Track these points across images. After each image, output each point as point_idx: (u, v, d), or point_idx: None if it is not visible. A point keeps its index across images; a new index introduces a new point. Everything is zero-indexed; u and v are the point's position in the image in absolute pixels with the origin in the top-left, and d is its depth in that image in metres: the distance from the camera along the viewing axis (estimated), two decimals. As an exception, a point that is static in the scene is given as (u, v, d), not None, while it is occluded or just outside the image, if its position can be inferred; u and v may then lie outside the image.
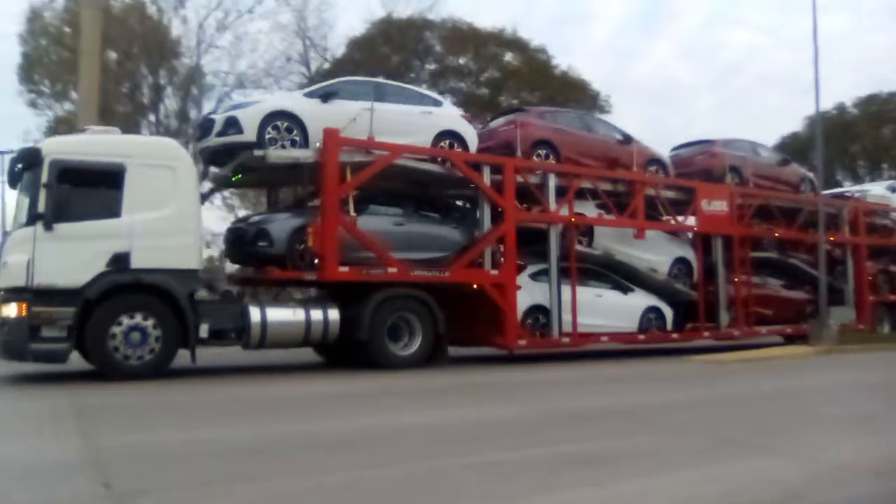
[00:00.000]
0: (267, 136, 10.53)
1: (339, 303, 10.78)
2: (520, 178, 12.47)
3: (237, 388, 9.19)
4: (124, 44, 24.38)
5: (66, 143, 9.26)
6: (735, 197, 15.55)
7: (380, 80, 12.38)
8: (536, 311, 12.86)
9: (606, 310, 13.63)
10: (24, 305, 8.61)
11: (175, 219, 9.47)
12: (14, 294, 8.73)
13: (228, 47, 26.03)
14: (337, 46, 29.33)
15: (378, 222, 11.52)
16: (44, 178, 8.78)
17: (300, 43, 27.92)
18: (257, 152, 10.33)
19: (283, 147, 10.62)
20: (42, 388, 8.89)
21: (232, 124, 10.50)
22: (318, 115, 10.83)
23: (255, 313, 9.97)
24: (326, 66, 27.97)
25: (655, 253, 14.82)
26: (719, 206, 15.21)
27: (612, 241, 14.14)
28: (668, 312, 14.51)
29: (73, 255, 8.83)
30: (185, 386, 9.08)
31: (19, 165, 9.10)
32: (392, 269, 10.97)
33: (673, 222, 14.85)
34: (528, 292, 12.78)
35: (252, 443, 5.41)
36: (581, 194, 13.65)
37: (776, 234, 16.71)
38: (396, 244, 11.40)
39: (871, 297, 17.91)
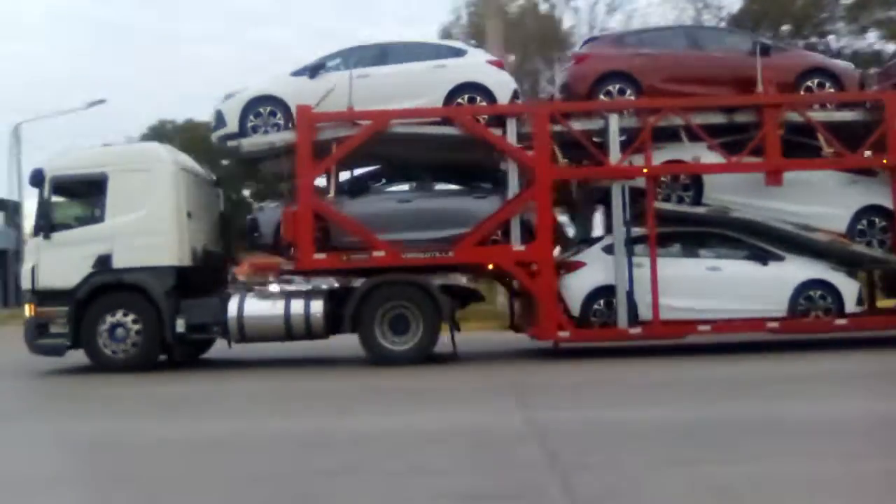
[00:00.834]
0: (249, 125, 10.21)
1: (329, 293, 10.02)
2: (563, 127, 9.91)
3: (668, 367, 9.19)
4: (522, 44, 25.67)
5: (61, 160, 10.31)
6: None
7: (379, 42, 10.91)
8: (608, 292, 10.06)
9: (727, 288, 9.98)
10: (31, 306, 9.86)
11: (150, 219, 9.81)
12: (27, 296, 10.04)
13: (620, 27, 25.14)
14: (732, 2, 26.70)
15: (380, 201, 10.33)
16: (44, 193, 9.94)
17: (691, 7, 26.47)
18: (231, 143, 10.12)
19: (267, 133, 10.18)
20: (488, 364, 10.23)
21: (219, 118, 10.44)
22: (304, 94, 10.05)
23: (232, 307, 9.79)
24: (722, 24, 25.61)
25: (823, 204, 10.33)
26: None
27: (739, 194, 10.25)
28: (848, 288, 10.04)
29: (67, 260, 9.76)
30: (617, 365, 9.52)
31: (31, 185, 10.40)
32: (379, 253, 9.70)
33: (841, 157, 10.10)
34: (597, 269, 10.07)
35: (684, 425, 5.36)
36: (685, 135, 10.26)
37: None
38: (404, 224, 10.05)
39: None
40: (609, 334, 9.92)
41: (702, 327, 9.81)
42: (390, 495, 3.86)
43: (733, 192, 10.27)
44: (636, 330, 9.69)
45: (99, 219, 9.94)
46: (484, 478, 4.16)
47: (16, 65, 75.44)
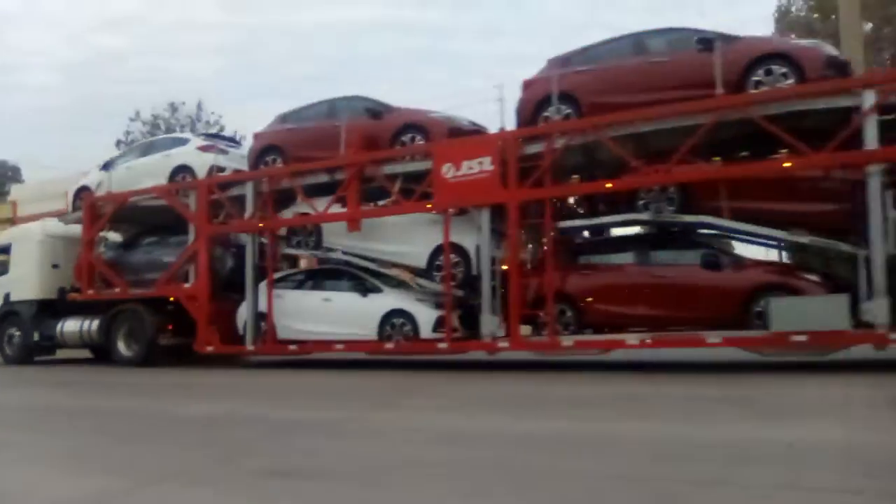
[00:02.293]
0: (78, 204, 15.58)
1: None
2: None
3: None
4: (882, 8, 23.77)
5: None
6: (513, 145, 10.74)
7: (147, 139, 14.92)
8: (261, 318, 13.13)
9: (334, 315, 12.40)
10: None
11: (24, 271, 15.80)
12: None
13: None
14: None
15: (138, 253, 14.85)
16: (-15, 255, 16.66)
17: None
18: (59, 219, 15.58)
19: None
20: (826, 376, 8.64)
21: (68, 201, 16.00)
22: (102, 183, 15.16)
23: (59, 325, 15.21)
24: None
25: (409, 243, 12.06)
26: (477, 166, 10.96)
27: (351, 238, 12.47)
28: (424, 316, 11.63)
29: (-8, 296, 16.33)
30: None
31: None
32: (117, 290, 14.26)
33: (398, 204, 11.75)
34: (255, 301, 13.21)
35: None
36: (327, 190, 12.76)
37: (608, 186, 10.18)
38: (149, 269, 14.45)
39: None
40: (237, 349, 13.03)
41: (291, 347, 12.38)
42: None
43: (347, 237, 12.49)
44: (252, 347, 12.68)
45: (6, 272, 16.25)
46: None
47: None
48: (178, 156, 14.33)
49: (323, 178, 12.56)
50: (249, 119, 68.56)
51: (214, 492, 4.25)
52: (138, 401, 9.33)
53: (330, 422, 6.76)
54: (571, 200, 12.19)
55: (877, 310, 8.64)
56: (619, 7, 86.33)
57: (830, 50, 9.97)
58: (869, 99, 8.83)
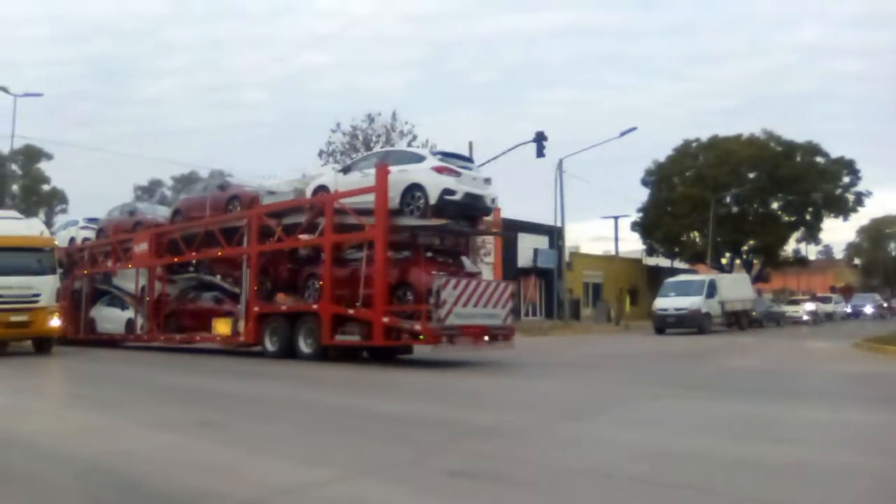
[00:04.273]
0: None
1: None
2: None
3: None
4: None
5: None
6: (155, 237, 21.40)
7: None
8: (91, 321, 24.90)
9: (112, 320, 23.91)
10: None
11: None
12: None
13: None
14: None
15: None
16: None
17: None
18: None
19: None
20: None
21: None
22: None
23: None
24: None
25: (133, 283, 23.07)
26: (144, 245, 21.75)
27: (120, 279, 23.92)
28: (139, 321, 22.64)
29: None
30: None
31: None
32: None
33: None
34: (88, 310, 25.01)
35: None
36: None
37: (175, 259, 20.48)
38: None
39: (256, 308, 17.69)
40: (77, 336, 24.74)
41: (92, 336, 23.89)
42: None
43: (120, 279, 23.88)
44: (80, 335, 24.42)
45: None
46: None
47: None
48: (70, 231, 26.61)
49: (107, 248, 23.98)
50: (441, 129, 72.41)
51: (408, 490, 4.44)
52: (333, 396, 9.98)
53: (522, 428, 6.89)
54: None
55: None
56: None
57: (261, 192, 19.33)
58: (243, 221, 18.37)
